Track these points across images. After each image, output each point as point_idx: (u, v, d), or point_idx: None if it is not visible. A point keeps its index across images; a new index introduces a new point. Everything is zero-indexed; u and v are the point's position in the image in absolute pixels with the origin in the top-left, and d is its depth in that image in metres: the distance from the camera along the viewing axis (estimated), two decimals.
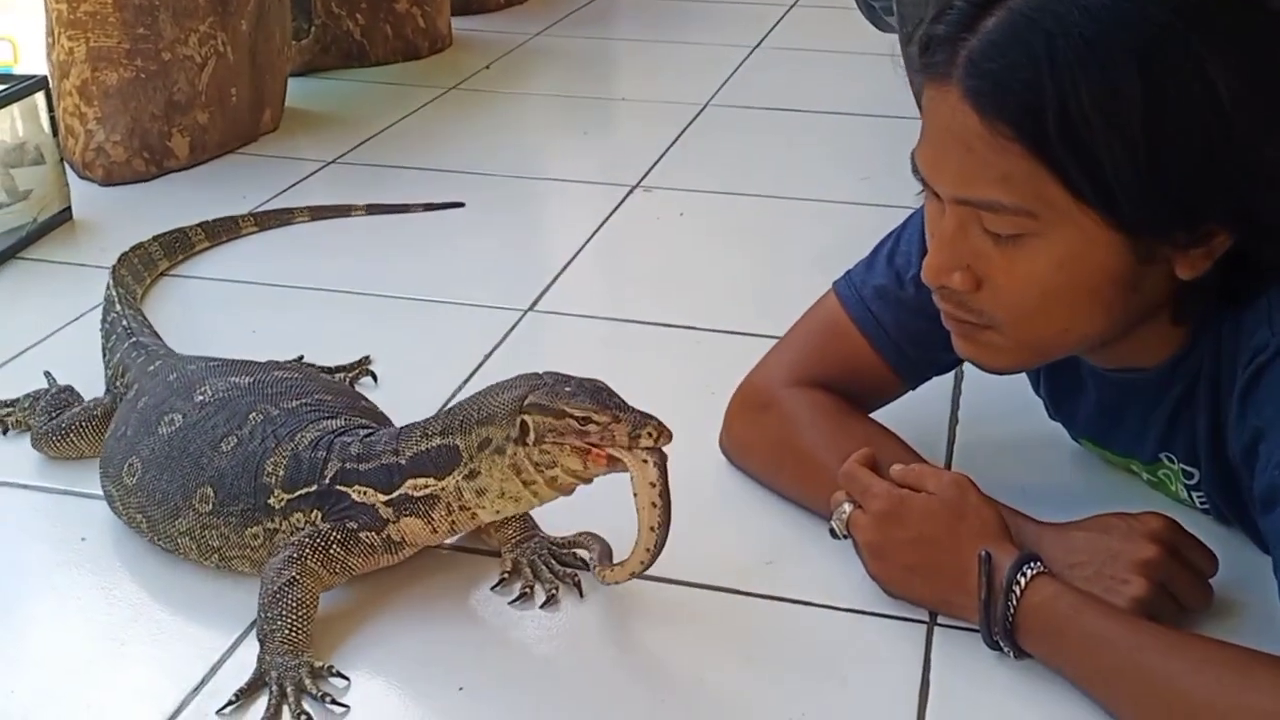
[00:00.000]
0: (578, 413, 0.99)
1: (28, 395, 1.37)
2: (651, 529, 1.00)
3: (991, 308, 0.99)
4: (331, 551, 1.06)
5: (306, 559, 1.04)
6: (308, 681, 0.99)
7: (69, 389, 1.36)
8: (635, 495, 0.99)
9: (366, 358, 1.50)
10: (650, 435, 0.98)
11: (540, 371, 1.06)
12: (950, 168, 0.95)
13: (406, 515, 1.07)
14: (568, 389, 1.01)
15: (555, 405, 1.00)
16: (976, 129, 0.91)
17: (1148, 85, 0.87)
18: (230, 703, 0.98)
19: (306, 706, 0.97)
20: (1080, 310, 0.98)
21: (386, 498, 1.07)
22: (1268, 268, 0.95)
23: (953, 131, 0.93)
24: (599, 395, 1.01)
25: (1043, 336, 1.01)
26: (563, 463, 1.01)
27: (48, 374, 1.42)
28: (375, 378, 1.48)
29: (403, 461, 1.07)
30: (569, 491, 1.04)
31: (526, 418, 1.01)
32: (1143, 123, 0.87)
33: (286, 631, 1.01)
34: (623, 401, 1.01)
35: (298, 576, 1.03)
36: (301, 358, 1.46)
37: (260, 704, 0.98)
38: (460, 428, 1.06)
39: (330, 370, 1.44)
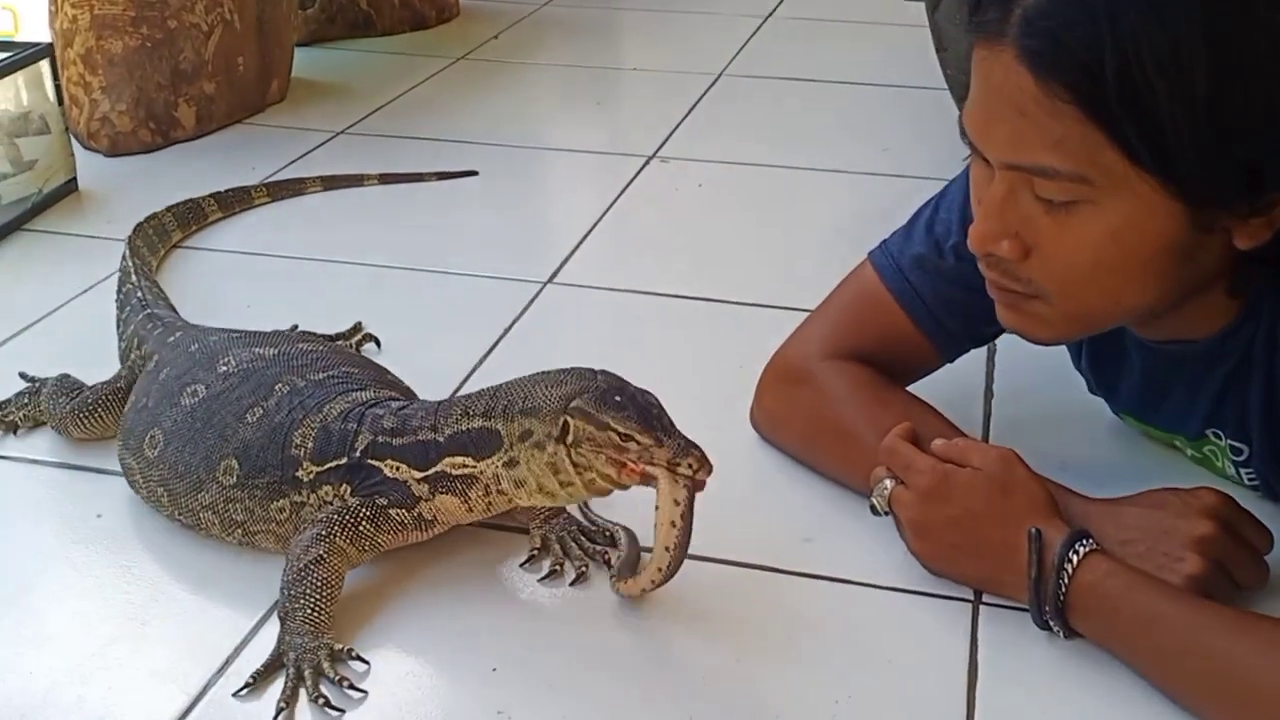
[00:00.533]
0: (621, 429, 0.95)
1: (19, 394, 1.31)
2: (666, 549, 0.97)
3: (1040, 277, 0.96)
4: (361, 529, 1.02)
5: (335, 537, 1.01)
6: (326, 665, 0.95)
7: (67, 375, 1.30)
8: (657, 509, 0.96)
9: (359, 324, 1.46)
10: (691, 467, 0.94)
11: (596, 370, 1.02)
12: (1001, 132, 0.91)
13: (442, 493, 1.04)
14: (617, 399, 0.97)
15: (600, 416, 0.96)
16: (1030, 91, 0.88)
17: (1212, 46, 0.83)
18: (247, 685, 0.95)
19: (324, 690, 0.94)
20: (1133, 281, 0.94)
21: (421, 474, 1.04)
22: None
23: (1005, 94, 0.90)
24: (648, 415, 0.96)
25: (1092, 307, 0.97)
26: (598, 469, 0.98)
27: (24, 374, 1.34)
28: (379, 343, 1.45)
29: (441, 439, 1.04)
30: (605, 494, 1.01)
31: (570, 420, 0.98)
32: (1207, 85, 0.83)
33: (308, 611, 0.98)
34: (671, 425, 0.96)
35: (324, 555, 1.00)
36: (295, 327, 1.42)
37: (278, 685, 0.95)
38: (504, 413, 1.02)
39: (331, 338, 1.40)
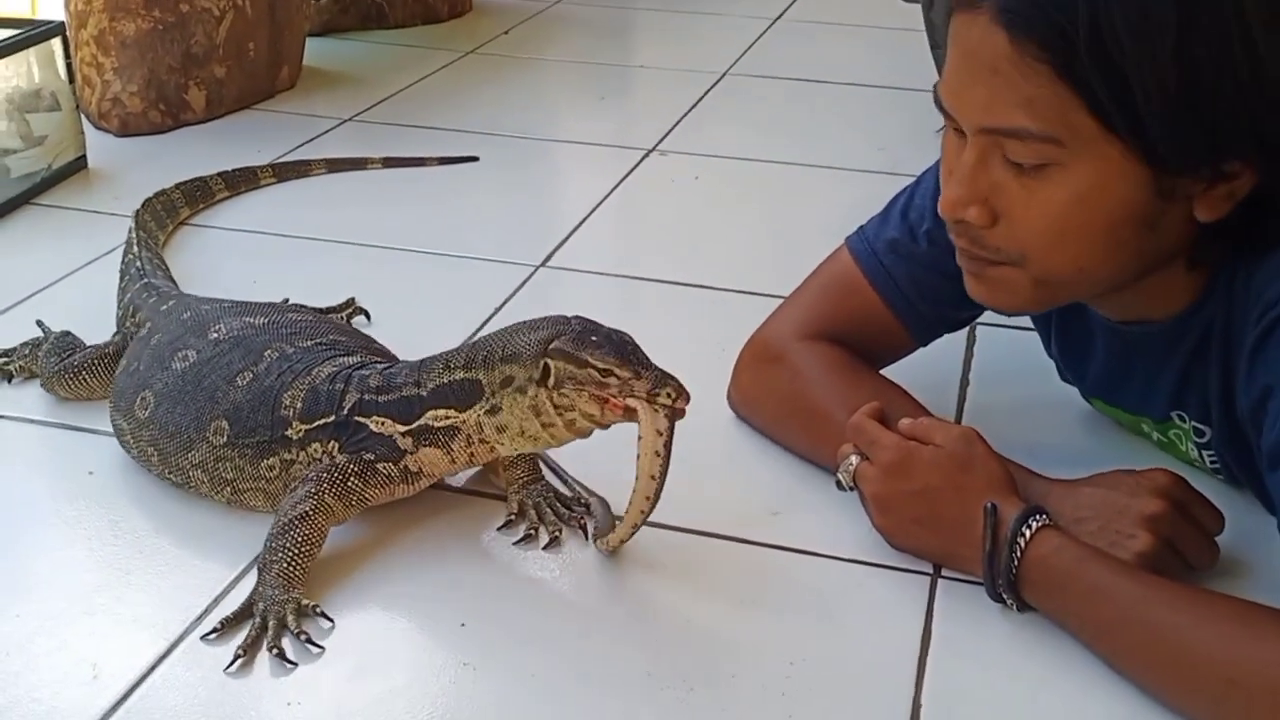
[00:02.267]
0: (600, 365, 0.99)
1: (24, 344, 1.36)
2: (652, 477, 0.99)
3: (1007, 244, 0.98)
4: (349, 484, 1.06)
5: (324, 494, 1.05)
6: (291, 618, 0.99)
7: (68, 333, 1.35)
8: (640, 439, 0.99)
9: (352, 299, 1.50)
10: (670, 396, 0.98)
11: (569, 316, 1.05)
12: (975, 94, 0.94)
13: (425, 445, 1.07)
14: (594, 339, 1.01)
15: (580, 354, 1.00)
16: (1004, 50, 0.90)
17: (1180, 9, 0.86)
18: (215, 630, 0.99)
19: (284, 643, 0.97)
20: (1097, 247, 0.96)
21: (405, 428, 1.07)
22: None
23: (979, 56, 0.92)
24: (624, 350, 1.00)
25: (1058, 274, 0.99)
26: (580, 408, 1.01)
27: (40, 323, 1.41)
28: (368, 315, 1.49)
29: (424, 394, 1.07)
30: (586, 434, 1.04)
31: (550, 362, 1.01)
32: (1173, 48, 0.86)
33: (285, 565, 1.02)
34: (647, 359, 1.00)
35: (310, 512, 1.04)
36: (287, 300, 1.46)
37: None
38: (484, 363, 1.06)
39: (322, 312, 1.43)
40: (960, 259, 1.03)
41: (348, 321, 1.46)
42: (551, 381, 1.01)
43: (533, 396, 1.02)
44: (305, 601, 1.01)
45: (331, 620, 1.01)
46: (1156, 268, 0.99)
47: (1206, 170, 0.91)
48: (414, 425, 1.07)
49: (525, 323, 1.07)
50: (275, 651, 0.96)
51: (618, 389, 0.99)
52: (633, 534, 1.04)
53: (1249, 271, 0.96)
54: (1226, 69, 0.87)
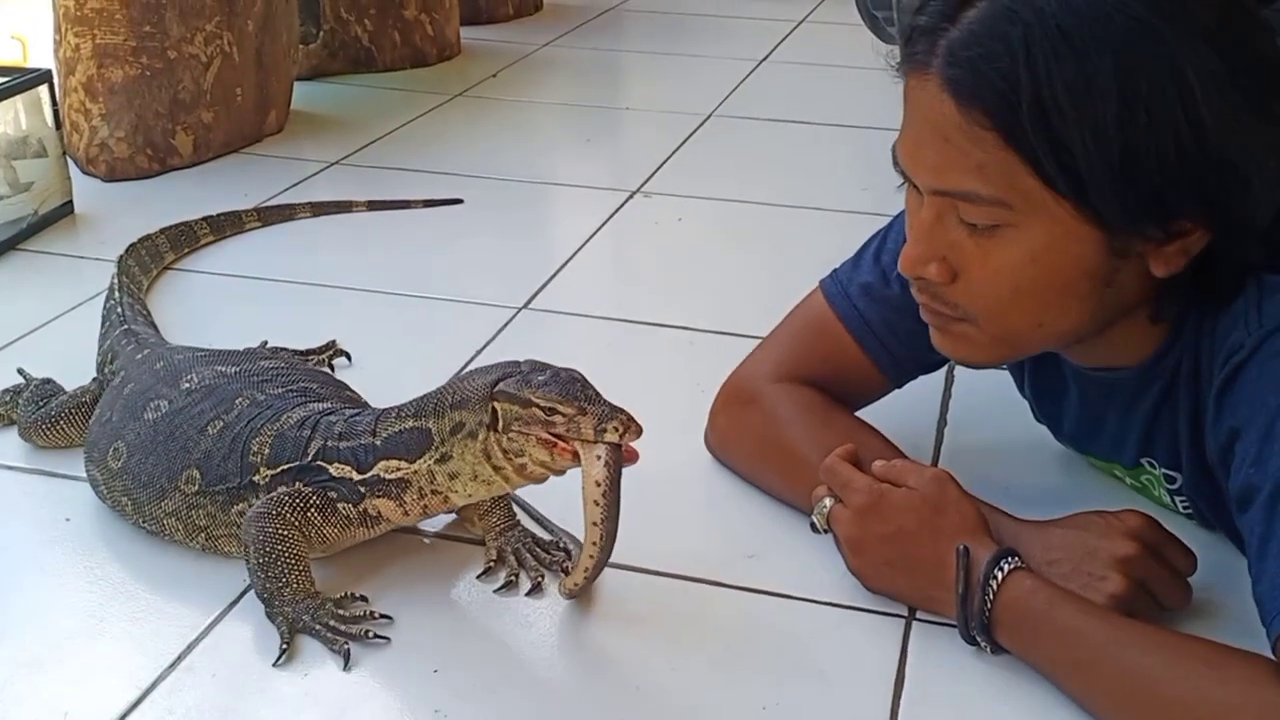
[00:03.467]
0: (543, 403, 0.99)
1: (6, 390, 1.37)
2: (594, 524, 0.99)
3: (966, 300, 0.99)
4: (309, 514, 1.07)
5: (285, 514, 1.05)
6: (337, 620, 1.03)
7: (49, 381, 1.36)
8: (583, 489, 0.99)
9: (333, 341, 1.51)
10: (616, 430, 0.97)
11: (520, 360, 1.06)
12: (928, 158, 0.96)
13: (378, 496, 1.08)
14: (540, 378, 1.01)
15: (523, 394, 1.00)
16: (953, 118, 0.92)
17: (1122, 78, 0.87)
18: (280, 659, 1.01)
19: (349, 632, 1.03)
20: (1053, 304, 0.97)
21: (361, 477, 1.08)
22: (1244, 266, 0.95)
23: (930, 121, 0.94)
24: (570, 387, 1.00)
25: (1017, 330, 1.01)
26: (530, 453, 1.01)
27: (21, 370, 1.41)
28: (349, 357, 1.50)
29: (378, 443, 1.08)
30: (540, 480, 1.04)
31: (496, 404, 1.02)
32: (1116, 115, 0.87)
33: (292, 585, 1.04)
34: (595, 394, 1.00)
35: (281, 531, 1.05)
36: (265, 343, 1.47)
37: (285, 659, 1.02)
38: (434, 411, 1.06)
39: (302, 354, 1.45)
40: (923, 314, 1.04)
41: (329, 364, 1.46)
42: (500, 425, 1.01)
43: (483, 441, 1.02)
44: (336, 595, 1.05)
45: (365, 598, 1.06)
46: (1118, 318, 1.00)
47: (1156, 230, 0.92)
48: (368, 475, 1.08)
49: (477, 369, 1.07)
50: (345, 650, 1.01)
51: (564, 428, 0.98)
52: (587, 580, 1.04)
53: (1214, 316, 0.97)
54: (1168, 136, 0.88)
